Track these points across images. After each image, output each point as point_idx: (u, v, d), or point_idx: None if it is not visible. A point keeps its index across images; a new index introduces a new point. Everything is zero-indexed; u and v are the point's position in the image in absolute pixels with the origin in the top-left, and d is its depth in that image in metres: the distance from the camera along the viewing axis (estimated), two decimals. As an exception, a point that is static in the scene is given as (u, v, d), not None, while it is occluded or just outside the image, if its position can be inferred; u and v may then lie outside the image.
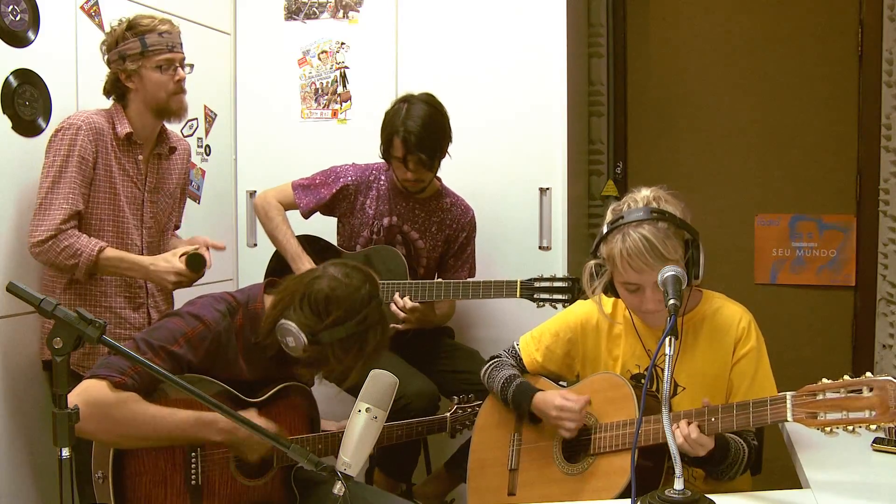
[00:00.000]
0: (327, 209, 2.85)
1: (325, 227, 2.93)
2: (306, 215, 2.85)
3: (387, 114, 2.70)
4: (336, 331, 1.83)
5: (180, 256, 2.33)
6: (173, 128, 2.61)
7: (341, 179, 2.81)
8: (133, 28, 2.34)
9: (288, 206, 2.84)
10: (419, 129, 2.58)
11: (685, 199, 1.89)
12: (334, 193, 2.80)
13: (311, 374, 1.97)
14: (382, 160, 2.76)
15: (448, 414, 2.34)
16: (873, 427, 1.50)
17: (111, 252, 2.30)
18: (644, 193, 1.88)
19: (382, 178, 2.82)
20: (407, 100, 2.68)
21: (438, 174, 2.82)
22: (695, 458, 1.73)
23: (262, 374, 1.96)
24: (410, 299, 2.62)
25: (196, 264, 2.33)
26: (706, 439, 1.70)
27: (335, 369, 1.90)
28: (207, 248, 2.41)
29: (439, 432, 2.33)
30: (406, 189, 2.76)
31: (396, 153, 2.65)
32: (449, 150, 2.72)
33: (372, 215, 2.80)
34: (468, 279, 2.86)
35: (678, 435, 1.68)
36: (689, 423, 1.70)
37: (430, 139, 2.61)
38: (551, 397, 1.98)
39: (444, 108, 2.70)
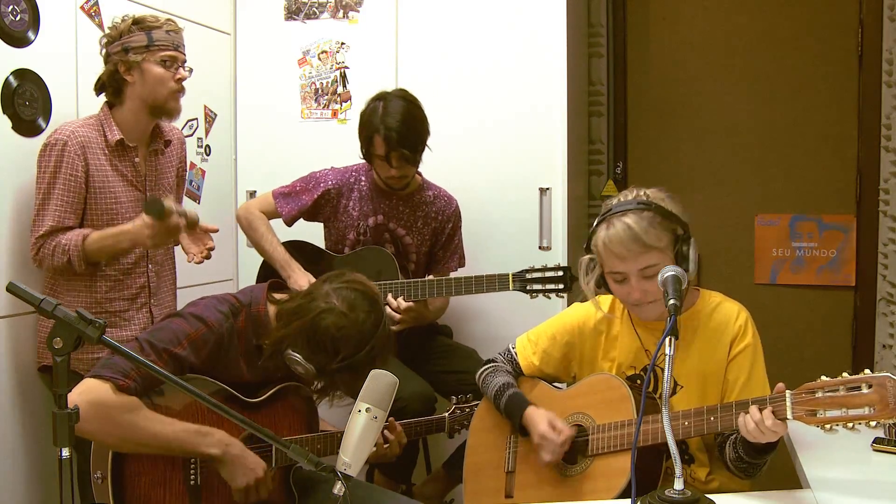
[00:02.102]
0: (310, 215, 2.83)
1: (311, 233, 2.91)
2: (289, 223, 2.83)
3: (363, 113, 2.68)
4: (346, 365, 1.84)
5: None
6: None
7: (322, 184, 2.79)
8: (140, 23, 2.36)
9: (270, 216, 2.82)
10: (399, 126, 2.57)
11: (685, 200, 1.89)
12: (316, 199, 2.78)
13: (321, 398, 1.98)
14: (362, 161, 2.75)
15: (446, 414, 2.34)
16: (873, 424, 1.50)
17: (95, 234, 2.31)
18: (640, 191, 1.89)
19: (363, 178, 2.81)
20: (382, 97, 2.66)
21: (418, 168, 2.80)
22: (755, 446, 1.68)
23: (261, 375, 1.96)
24: (404, 299, 2.62)
25: (151, 208, 2.25)
26: (781, 425, 1.60)
27: (345, 393, 1.92)
28: (205, 232, 2.44)
29: (437, 432, 2.32)
30: (390, 187, 2.74)
31: (378, 151, 2.63)
32: (429, 144, 2.69)
33: (356, 216, 2.79)
34: (459, 272, 2.86)
35: (748, 421, 1.61)
36: (760, 409, 1.61)
37: (411, 134, 2.59)
38: (539, 420, 1.96)
39: (419, 102, 2.68)
